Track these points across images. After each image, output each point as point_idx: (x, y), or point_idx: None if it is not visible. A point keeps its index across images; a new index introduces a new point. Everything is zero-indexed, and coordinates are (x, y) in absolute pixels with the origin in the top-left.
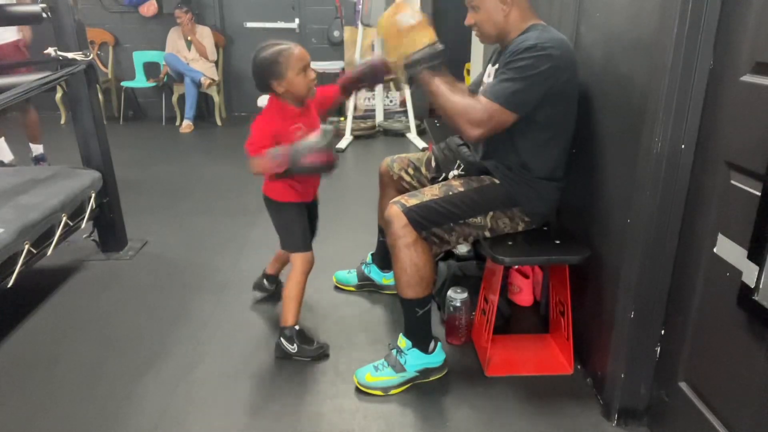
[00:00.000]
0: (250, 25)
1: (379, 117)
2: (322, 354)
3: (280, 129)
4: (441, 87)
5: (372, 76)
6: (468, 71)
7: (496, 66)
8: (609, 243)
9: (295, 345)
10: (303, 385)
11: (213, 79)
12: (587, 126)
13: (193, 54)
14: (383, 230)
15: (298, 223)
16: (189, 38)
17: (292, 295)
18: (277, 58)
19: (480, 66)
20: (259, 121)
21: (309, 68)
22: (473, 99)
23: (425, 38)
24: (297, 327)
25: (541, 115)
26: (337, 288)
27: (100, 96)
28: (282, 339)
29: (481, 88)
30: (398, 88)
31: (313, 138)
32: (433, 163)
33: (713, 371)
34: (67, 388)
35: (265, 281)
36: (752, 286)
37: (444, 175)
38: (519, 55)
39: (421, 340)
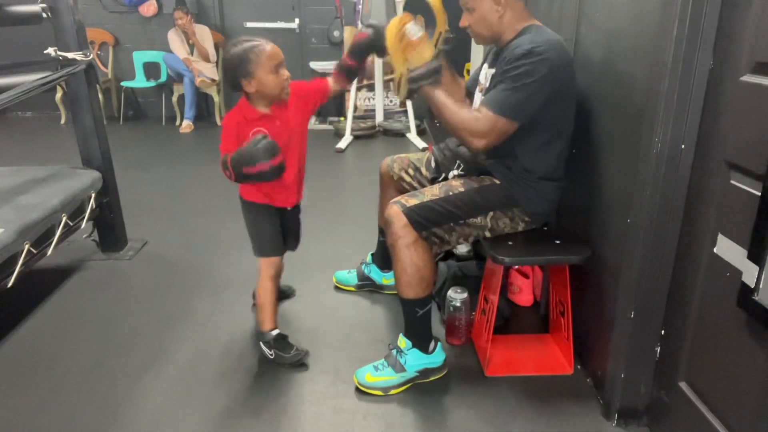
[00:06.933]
0: (250, 25)
1: (379, 117)
2: (298, 362)
3: (240, 132)
4: (445, 100)
5: (373, 45)
6: (468, 71)
7: (494, 70)
8: (609, 243)
9: (272, 351)
10: (303, 385)
11: (213, 80)
12: (587, 126)
13: (195, 55)
14: (383, 230)
15: (265, 226)
16: (191, 41)
17: (263, 302)
18: (246, 54)
19: None
20: (226, 120)
21: (282, 67)
22: (476, 111)
23: (429, 52)
24: (275, 332)
25: (541, 117)
26: (337, 288)
27: (100, 96)
28: (261, 344)
29: (478, 92)
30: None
31: (253, 143)
32: (433, 164)
33: (713, 371)
34: (67, 388)
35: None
36: (752, 286)
37: (444, 175)
38: (516, 62)
39: (422, 340)
